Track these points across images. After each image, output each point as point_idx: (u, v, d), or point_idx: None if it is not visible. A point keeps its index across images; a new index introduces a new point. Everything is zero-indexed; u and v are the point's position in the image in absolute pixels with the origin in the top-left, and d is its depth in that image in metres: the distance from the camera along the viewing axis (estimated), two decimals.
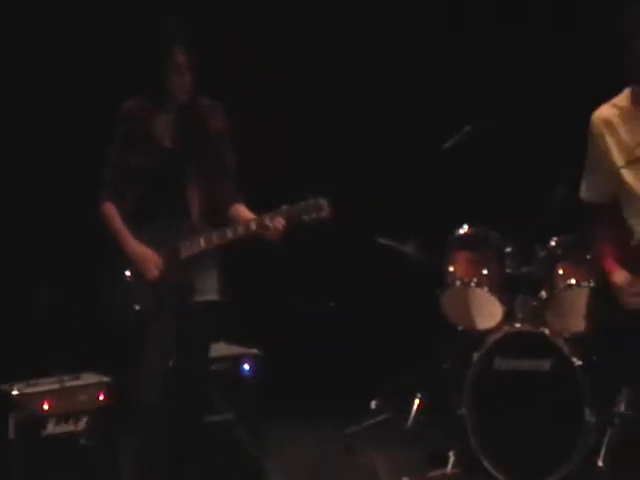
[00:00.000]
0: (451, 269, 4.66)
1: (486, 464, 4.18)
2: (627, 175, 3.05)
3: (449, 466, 4.38)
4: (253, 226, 3.45)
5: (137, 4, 5.04)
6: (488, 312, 4.57)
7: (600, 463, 4.11)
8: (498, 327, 4.43)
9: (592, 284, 4.26)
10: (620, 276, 3.10)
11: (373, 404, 5.00)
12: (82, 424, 3.99)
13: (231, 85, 4.56)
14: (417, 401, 4.82)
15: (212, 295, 3.60)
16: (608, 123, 3.10)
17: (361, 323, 5.41)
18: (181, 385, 3.63)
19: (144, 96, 3.59)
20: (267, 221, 3.46)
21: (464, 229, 4.67)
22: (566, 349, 4.18)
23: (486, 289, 4.54)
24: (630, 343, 3.10)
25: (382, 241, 4.80)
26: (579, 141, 3.21)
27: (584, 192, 3.22)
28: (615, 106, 3.12)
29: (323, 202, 3.49)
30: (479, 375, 4.26)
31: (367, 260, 5.15)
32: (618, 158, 3.07)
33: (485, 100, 5.04)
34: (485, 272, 4.60)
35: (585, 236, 3.78)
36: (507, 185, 4.89)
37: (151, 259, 3.52)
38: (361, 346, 5.35)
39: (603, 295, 3.21)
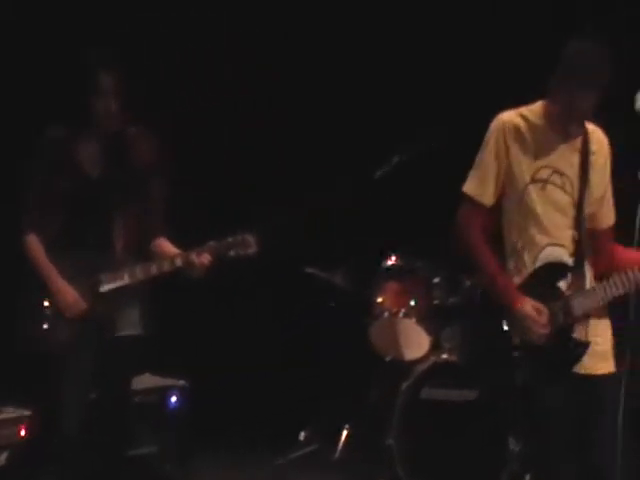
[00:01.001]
0: (379, 300, 4.64)
1: None
2: (530, 192, 3.01)
3: None
4: (179, 262, 3.41)
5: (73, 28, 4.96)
6: (416, 342, 4.57)
7: None
8: (425, 357, 4.44)
9: None
10: (527, 305, 2.99)
11: (302, 435, 4.99)
12: (2, 460, 3.93)
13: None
14: (345, 432, 4.83)
15: (134, 329, 3.55)
16: (517, 132, 3.04)
17: (288, 353, 5.37)
18: (102, 418, 3.56)
19: (70, 123, 3.51)
20: (193, 257, 3.42)
21: (392, 260, 4.68)
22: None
23: (414, 320, 4.55)
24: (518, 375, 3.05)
25: (310, 271, 4.78)
26: None
27: (471, 186, 3.11)
28: (524, 117, 3.07)
29: (250, 238, 3.47)
30: (407, 405, 4.27)
31: (295, 290, 5.11)
32: (523, 172, 3.03)
33: (411, 128, 4.99)
34: (413, 303, 4.61)
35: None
36: (435, 214, 4.89)
37: (72, 298, 3.46)
38: (289, 376, 5.28)
39: (492, 322, 3.10)
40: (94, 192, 3.48)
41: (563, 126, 2.99)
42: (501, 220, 3.09)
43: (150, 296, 3.63)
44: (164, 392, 4.43)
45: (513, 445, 4.10)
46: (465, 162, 3.15)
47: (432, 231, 4.63)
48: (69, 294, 3.42)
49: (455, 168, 3.26)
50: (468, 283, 4.53)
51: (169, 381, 4.46)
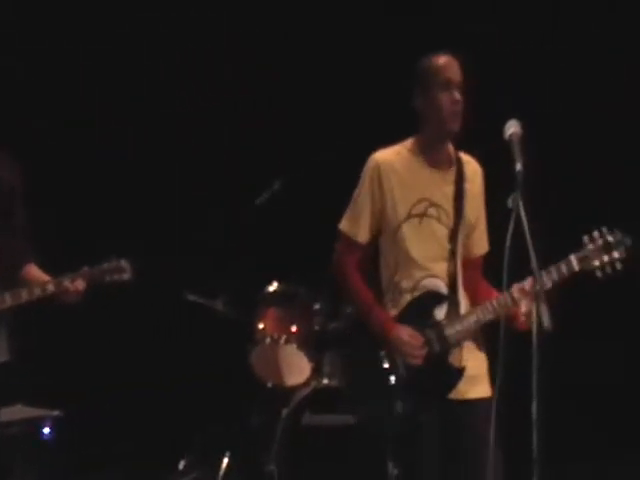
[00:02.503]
0: (260, 326, 4.60)
1: None
2: (407, 228, 3.06)
3: None
4: (51, 287, 3.37)
5: None
6: (297, 368, 4.54)
7: None
8: (306, 383, 4.42)
9: None
10: (402, 331, 3.03)
11: (181, 464, 4.83)
12: None
13: None
14: (226, 459, 4.68)
15: (1, 357, 3.47)
16: (391, 169, 3.08)
17: (168, 380, 5.28)
18: None
19: None
20: (66, 283, 3.38)
21: (274, 286, 4.65)
22: None
23: (295, 345, 4.51)
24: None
25: (191, 298, 4.72)
26: None
27: (346, 224, 3.16)
28: (397, 153, 3.12)
29: (125, 264, 3.46)
30: (288, 431, 4.26)
31: (175, 317, 5.07)
32: (400, 209, 3.07)
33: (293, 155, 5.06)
34: (294, 329, 4.57)
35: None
36: (317, 241, 4.92)
37: None
38: (169, 404, 5.26)
39: (369, 351, 3.13)
40: None
41: (435, 156, 3.04)
42: (379, 255, 3.13)
43: (22, 323, 3.53)
44: (37, 423, 4.26)
45: (391, 469, 3.92)
46: (347, 189, 3.17)
47: (314, 257, 4.70)
48: None
49: (336, 195, 3.31)
50: (349, 309, 4.44)
51: (42, 412, 4.27)
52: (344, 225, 3.14)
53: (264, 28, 5.38)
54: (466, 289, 3.14)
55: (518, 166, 2.68)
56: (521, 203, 2.66)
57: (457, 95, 2.96)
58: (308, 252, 4.71)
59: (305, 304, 4.62)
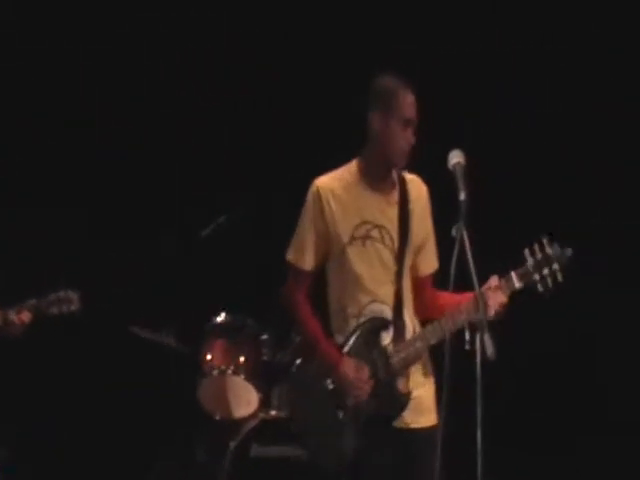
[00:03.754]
0: (208, 357, 4.57)
1: None
2: (351, 251, 3.05)
3: None
4: None
5: None
6: (245, 400, 4.52)
7: None
8: (254, 415, 4.42)
9: None
10: (349, 366, 3.03)
11: None
12: None
13: None
14: None
15: None
16: (333, 194, 3.08)
17: (114, 413, 5.18)
18: None
19: None
20: (12, 315, 3.35)
21: (221, 317, 4.62)
22: None
23: (242, 377, 4.49)
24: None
25: (136, 331, 4.67)
26: None
27: (293, 253, 3.15)
28: (338, 178, 3.12)
29: (73, 295, 3.46)
30: (236, 464, 4.22)
31: (122, 349, 4.97)
32: (343, 232, 3.06)
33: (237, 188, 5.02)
34: (242, 360, 4.55)
35: None
36: (263, 272, 4.88)
37: None
38: (117, 438, 5.14)
39: (317, 382, 3.11)
40: None
41: (378, 180, 3.05)
42: (326, 280, 3.12)
43: None
44: None
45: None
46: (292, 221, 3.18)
47: (261, 288, 4.69)
48: None
49: (282, 227, 3.31)
50: (297, 339, 4.46)
51: None
52: (289, 254, 3.13)
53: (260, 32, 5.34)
54: (418, 309, 3.13)
55: (462, 195, 2.71)
56: (465, 232, 2.69)
57: (412, 136, 3.00)
58: (255, 283, 4.82)
59: (253, 335, 4.60)
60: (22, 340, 3.47)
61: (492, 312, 2.92)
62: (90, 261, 4.97)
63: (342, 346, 3.06)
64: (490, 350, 2.66)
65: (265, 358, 4.56)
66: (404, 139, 2.99)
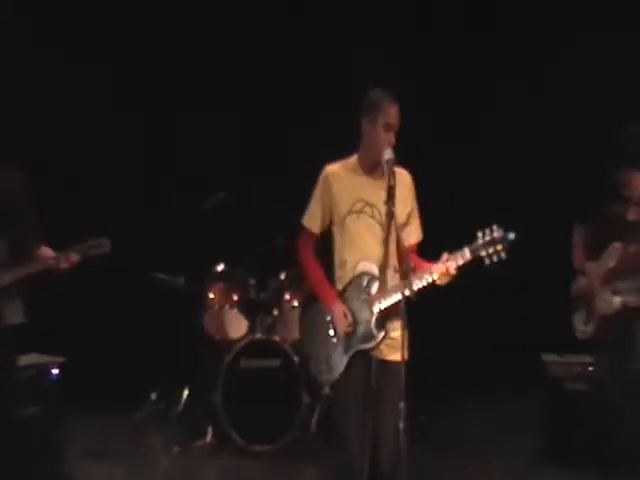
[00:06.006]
0: (211, 296, 5.23)
1: (233, 435, 4.81)
2: (349, 221, 3.23)
3: (208, 438, 4.98)
4: (51, 262, 3.66)
5: None
6: (237, 326, 5.20)
7: (313, 427, 4.92)
8: (244, 337, 5.05)
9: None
10: (338, 309, 3.21)
11: (153, 395, 5.58)
12: None
13: None
14: (186, 392, 5.39)
15: (17, 319, 3.70)
16: (338, 177, 3.26)
17: (142, 337, 5.81)
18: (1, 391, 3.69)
19: None
20: (62, 258, 3.66)
21: (220, 267, 5.29)
22: (290, 351, 4.82)
23: (235, 310, 5.18)
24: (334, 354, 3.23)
25: (159, 276, 5.30)
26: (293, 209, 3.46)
27: (306, 219, 3.33)
28: (343, 166, 3.30)
29: (105, 240, 3.72)
30: (229, 372, 4.84)
31: (148, 289, 5.47)
32: (343, 206, 3.24)
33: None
34: (235, 298, 5.23)
35: (298, 272, 4.20)
36: (251, 234, 5.35)
37: None
38: (144, 353, 5.71)
39: (313, 311, 3.34)
40: None
41: (371, 168, 3.23)
42: (332, 241, 3.34)
43: (31, 291, 3.73)
44: (47, 366, 4.56)
45: (305, 398, 4.77)
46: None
47: (249, 247, 5.31)
48: None
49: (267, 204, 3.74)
50: (274, 284, 5.17)
51: (51, 358, 4.59)
52: (304, 219, 3.33)
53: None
54: (397, 271, 3.18)
55: (391, 181, 3.02)
56: (393, 209, 2.97)
57: (392, 138, 3.16)
58: (246, 243, 5.34)
59: (243, 280, 5.26)
60: (70, 275, 3.70)
61: (445, 279, 3.06)
62: (126, 223, 5.43)
63: (343, 292, 3.26)
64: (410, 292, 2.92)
65: (252, 297, 5.23)
66: (386, 140, 3.16)
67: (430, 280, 3.07)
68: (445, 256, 3.05)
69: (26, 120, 5.39)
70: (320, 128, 5.36)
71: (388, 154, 3.07)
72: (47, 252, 3.74)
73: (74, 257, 3.67)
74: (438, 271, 3.06)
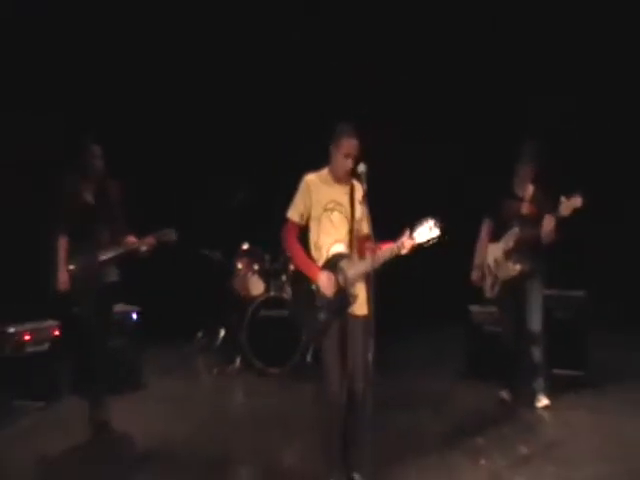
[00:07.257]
0: (239, 266, 6.44)
1: (254, 361, 5.92)
2: (324, 216, 3.66)
3: (237, 364, 6.11)
4: (135, 245, 4.42)
5: None
6: (257, 287, 6.36)
7: (309, 359, 6.00)
8: (262, 294, 6.19)
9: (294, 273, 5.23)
10: (323, 276, 3.57)
11: (199, 334, 6.93)
12: (46, 347, 5.15)
13: None
14: (222, 332, 6.64)
15: (115, 277, 4.60)
16: (315, 184, 3.66)
17: (192, 296, 6.93)
18: (103, 326, 4.62)
19: (77, 174, 4.48)
20: (144, 242, 4.37)
21: (245, 245, 6.48)
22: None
23: (256, 276, 6.38)
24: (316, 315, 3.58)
25: (204, 251, 6.43)
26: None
27: (291, 213, 3.67)
28: (319, 176, 3.69)
29: (172, 231, 4.42)
30: (252, 319, 5.96)
31: (195, 260, 6.49)
32: (319, 206, 3.65)
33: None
34: (256, 267, 6.42)
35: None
36: (266, 224, 5.16)
37: (63, 277, 4.38)
38: (194, 305, 6.86)
39: (299, 283, 3.74)
40: (91, 212, 4.51)
41: (338, 179, 3.69)
42: (309, 231, 3.70)
43: (123, 263, 4.51)
44: (130, 312, 5.53)
45: (304, 338, 5.80)
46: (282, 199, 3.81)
47: (265, 232, 5.59)
48: (63, 274, 4.48)
49: (280, 203, 3.83)
50: (282, 258, 6.29)
51: (132, 307, 5.51)
52: (288, 213, 3.69)
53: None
54: (360, 250, 3.64)
55: (364, 187, 3.44)
56: (365, 208, 3.36)
57: (350, 164, 3.58)
58: (263, 230, 5.67)
59: (261, 255, 6.44)
60: (149, 257, 4.42)
61: (405, 250, 3.38)
62: (182, 214, 6.17)
63: (319, 268, 3.63)
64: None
65: (267, 267, 6.42)
66: (343, 166, 3.64)
67: (396, 251, 3.47)
68: (407, 232, 3.49)
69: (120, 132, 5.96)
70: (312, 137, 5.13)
71: (362, 167, 3.53)
72: (132, 238, 4.54)
73: (150, 241, 4.43)
74: (402, 244, 3.45)
